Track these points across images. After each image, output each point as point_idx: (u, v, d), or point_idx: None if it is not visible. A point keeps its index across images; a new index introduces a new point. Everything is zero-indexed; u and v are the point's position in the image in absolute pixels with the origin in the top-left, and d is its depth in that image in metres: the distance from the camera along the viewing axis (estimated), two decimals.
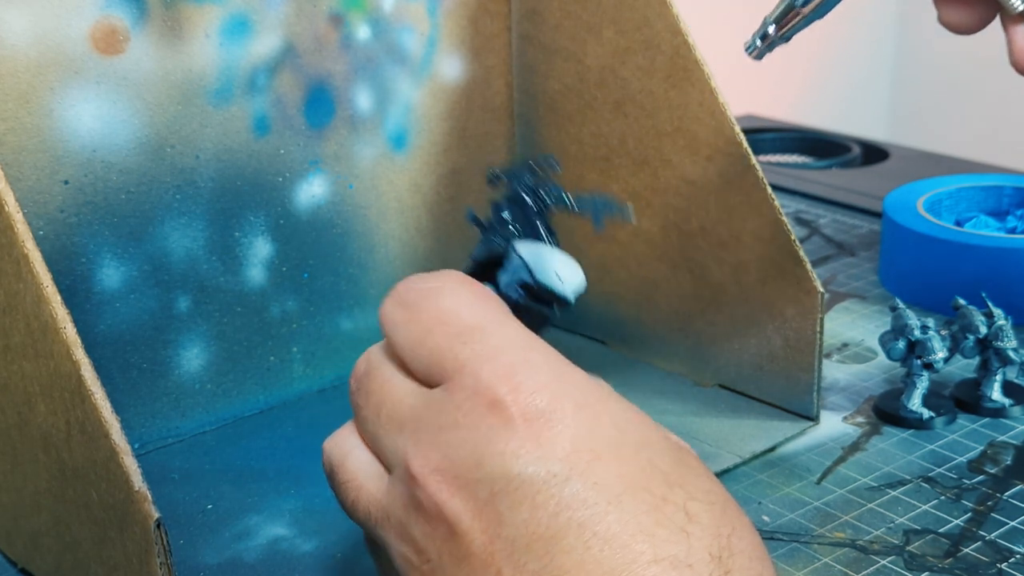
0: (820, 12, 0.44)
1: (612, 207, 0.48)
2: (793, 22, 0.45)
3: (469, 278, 0.40)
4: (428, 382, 0.38)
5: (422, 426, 0.38)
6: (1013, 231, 0.79)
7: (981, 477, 0.56)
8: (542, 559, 0.34)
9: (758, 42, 0.46)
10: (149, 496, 0.40)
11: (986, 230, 0.78)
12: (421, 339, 0.38)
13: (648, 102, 0.61)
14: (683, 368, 0.65)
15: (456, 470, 0.36)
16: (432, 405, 0.38)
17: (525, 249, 0.44)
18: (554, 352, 0.38)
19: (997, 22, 0.43)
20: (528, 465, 0.35)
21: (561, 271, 0.44)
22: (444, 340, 0.38)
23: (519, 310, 0.43)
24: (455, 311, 0.38)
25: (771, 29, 0.45)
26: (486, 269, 0.46)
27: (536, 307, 0.44)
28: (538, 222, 0.46)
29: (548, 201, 0.47)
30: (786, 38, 0.45)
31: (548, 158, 0.48)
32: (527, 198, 0.46)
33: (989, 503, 0.54)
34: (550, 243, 0.46)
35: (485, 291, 0.40)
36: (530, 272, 0.44)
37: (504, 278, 0.45)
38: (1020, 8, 0.40)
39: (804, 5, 0.44)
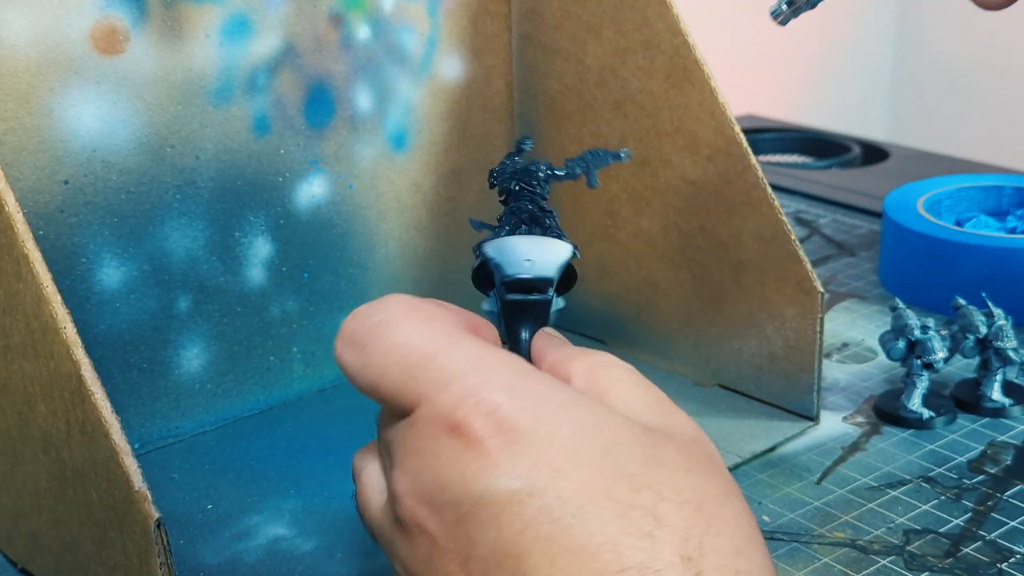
0: None
1: (605, 158, 0.47)
2: None
3: (414, 302, 0.40)
4: (399, 413, 0.39)
5: (398, 452, 0.38)
6: (1013, 231, 0.79)
7: (981, 477, 0.56)
8: None
9: (783, 7, 0.45)
10: (149, 496, 0.40)
11: (986, 230, 0.78)
12: (378, 379, 0.39)
13: (648, 102, 0.61)
14: (683, 368, 0.65)
15: (427, 494, 0.37)
16: (403, 432, 0.38)
17: (492, 248, 0.43)
18: (511, 363, 0.38)
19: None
20: (490, 485, 0.35)
21: (531, 255, 0.43)
22: (399, 376, 0.38)
23: (517, 307, 0.43)
24: (403, 344, 0.39)
25: None
26: (490, 277, 0.45)
27: (530, 299, 0.43)
28: (529, 207, 0.45)
29: (537, 180, 0.46)
30: (812, 4, 0.44)
31: (521, 140, 0.47)
32: (514, 186, 0.46)
33: (989, 503, 0.54)
34: (529, 229, 0.44)
35: (432, 313, 0.40)
36: (501, 270, 0.43)
37: (496, 283, 0.44)
38: None
39: None
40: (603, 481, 0.35)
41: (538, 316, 0.43)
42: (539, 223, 0.45)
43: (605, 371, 0.40)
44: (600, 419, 0.37)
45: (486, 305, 0.45)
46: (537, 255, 0.43)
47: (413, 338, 0.39)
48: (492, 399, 0.36)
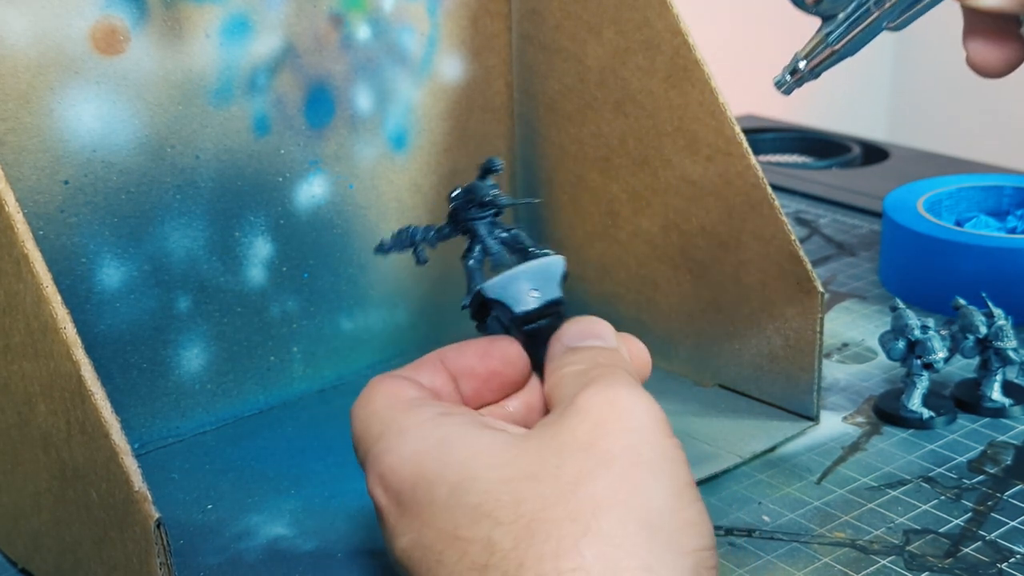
0: (852, 49, 0.44)
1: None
2: (824, 58, 0.45)
3: (378, 387, 0.43)
4: None
5: None
6: (1013, 231, 0.79)
7: (981, 477, 0.56)
8: None
9: (787, 77, 0.45)
10: (149, 496, 0.40)
11: (986, 230, 0.78)
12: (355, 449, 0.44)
13: (648, 102, 0.61)
14: (683, 368, 0.65)
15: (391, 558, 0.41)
16: None
17: (493, 290, 0.44)
18: (427, 433, 0.40)
19: None
20: (393, 546, 0.40)
21: (533, 283, 0.44)
22: (357, 454, 0.43)
23: (531, 336, 0.44)
24: (356, 430, 0.43)
25: (801, 64, 0.45)
26: (488, 302, 0.46)
27: (546, 324, 0.44)
28: (502, 234, 0.46)
29: (489, 203, 0.46)
30: (816, 74, 0.45)
31: (490, 162, 0.47)
32: (470, 216, 0.46)
33: (989, 503, 0.54)
34: (508, 260, 0.45)
35: (380, 388, 0.43)
36: (509, 309, 0.44)
37: (501, 317, 0.45)
38: None
39: (837, 42, 0.44)
40: (451, 522, 0.38)
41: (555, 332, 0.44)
42: (517, 247, 0.46)
43: (553, 378, 0.42)
44: (454, 458, 0.39)
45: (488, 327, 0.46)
46: (539, 282, 0.44)
47: (353, 424, 0.43)
48: (379, 470, 0.41)
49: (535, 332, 0.44)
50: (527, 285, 0.44)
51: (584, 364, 0.42)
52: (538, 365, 0.44)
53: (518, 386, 0.45)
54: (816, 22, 0.45)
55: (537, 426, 0.40)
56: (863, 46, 0.44)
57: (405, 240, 0.47)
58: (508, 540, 0.36)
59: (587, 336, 0.43)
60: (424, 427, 0.41)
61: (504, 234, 0.46)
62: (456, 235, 0.47)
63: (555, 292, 0.44)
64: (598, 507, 0.36)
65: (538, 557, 0.35)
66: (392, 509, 0.40)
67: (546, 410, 0.43)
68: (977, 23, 0.41)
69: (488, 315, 0.45)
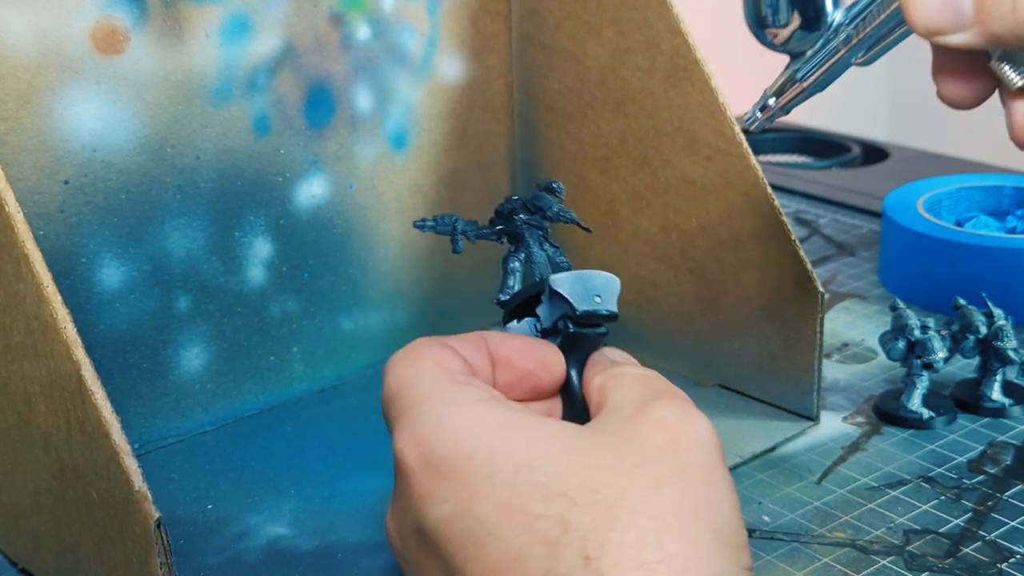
0: (821, 85, 0.44)
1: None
2: (793, 94, 0.45)
3: (416, 343, 0.44)
4: None
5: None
6: (1013, 231, 0.79)
7: (981, 477, 0.56)
8: None
9: (758, 114, 0.46)
10: (149, 496, 0.40)
11: (986, 230, 0.78)
12: (383, 410, 0.43)
13: (648, 102, 0.61)
14: (683, 368, 0.65)
15: (396, 525, 0.41)
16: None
17: (562, 284, 0.45)
18: (451, 396, 0.41)
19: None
20: (425, 514, 0.39)
21: (599, 290, 0.45)
22: (384, 411, 0.43)
23: (572, 339, 0.44)
24: (386, 383, 0.43)
25: (771, 101, 0.46)
26: (525, 305, 0.46)
27: (597, 332, 0.45)
28: (534, 250, 0.47)
29: (546, 219, 0.48)
30: (786, 110, 0.46)
31: (547, 185, 0.48)
32: (526, 227, 0.47)
33: (989, 503, 0.54)
34: (548, 273, 0.46)
35: (421, 353, 0.43)
36: (572, 307, 0.44)
37: (546, 312, 0.45)
38: (1020, 83, 0.40)
39: (805, 79, 0.44)
40: (516, 497, 0.37)
41: (596, 346, 0.45)
42: (559, 264, 0.47)
43: (611, 381, 0.43)
44: (518, 436, 0.39)
45: (516, 328, 0.46)
46: (604, 291, 0.45)
47: (391, 378, 0.43)
48: (420, 432, 0.40)
49: (580, 337, 0.44)
50: (592, 290, 0.44)
51: (642, 372, 0.43)
52: (569, 368, 0.45)
53: (546, 394, 0.45)
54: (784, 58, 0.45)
55: (600, 425, 0.40)
56: (832, 82, 0.45)
57: (447, 226, 0.48)
58: (586, 521, 0.36)
59: (629, 361, 0.44)
60: (480, 404, 0.40)
61: (550, 249, 0.47)
62: (498, 238, 0.48)
63: (614, 306, 0.45)
64: (679, 510, 0.37)
65: (619, 543, 0.36)
66: (426, 474, 0.39)
67: (582, 407, 0.44)
68: (946, 59, 0.42)
69: (522, 316, 0.46)
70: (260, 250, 0.62)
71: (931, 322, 0.61)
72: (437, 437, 0.40)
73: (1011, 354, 0.61)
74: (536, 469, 0.38)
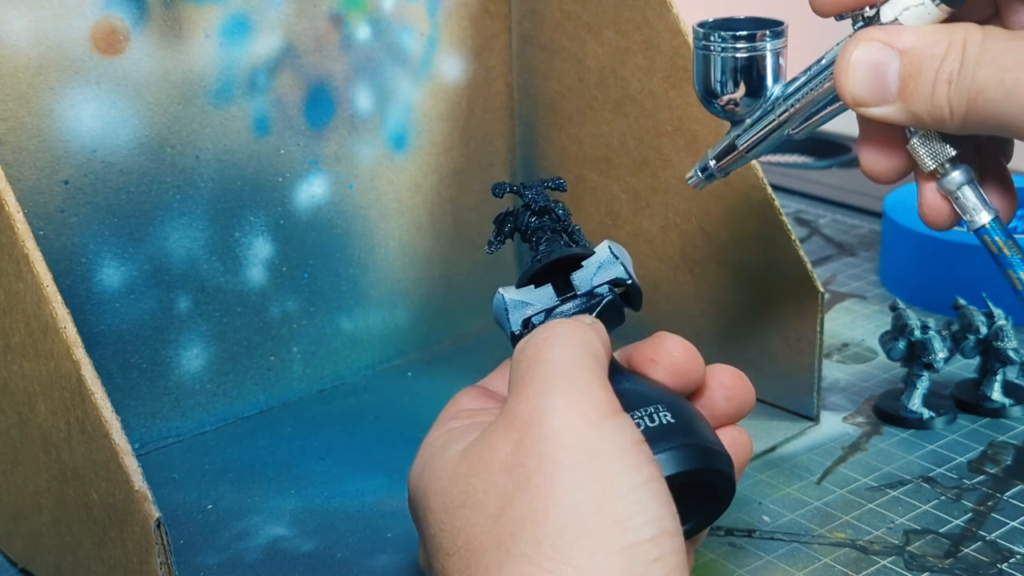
0: (758, 152, 0.47)
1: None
2: (733, 159, 0.48)
3: (457, 395, 0.45)
4: None
5: None
6: (1013, 231, 0.79)
7: (981, 477, 0.56)
8: None
9: (699, 174, 0.49)
10: (149, 496, 0.40)
11: None
12: None
13: (648, 102, 0.61)
14: None
15: None
16: None
17: (620, 251, 0.46)
18: (423, 455, 0.42)
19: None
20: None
21: (631, 270, 0.46)
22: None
23: (611, 306, 0.45)
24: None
25: (711, 163, 0.48)
26: (547, 270, 0.46)
27: (621, 303, 0.45)
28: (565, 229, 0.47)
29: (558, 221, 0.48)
30: (725, 172, 0.48)
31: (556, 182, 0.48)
32: (549, 209, 0.47)
33: (989, 503, 0.54)
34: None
35: (449, 407, 0.44)
36: (629, 275, 0.45)
37: (586, 276, 0.45)
38: (931, 167, 0.42)
39: (742, 145, 0.47)
40: (428, 551, 0.41)
41: (616, 320, 0.46)
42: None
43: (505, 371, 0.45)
44: (422, 486, 0.41)
45: (534, 293, 0.45)
46: (630, 266, 0.46)
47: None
48: (408, 488, 0.43)
49: (617, 307, 0.45)
50: (629, 265, 0.46)
51: (528, 368, 0.40)
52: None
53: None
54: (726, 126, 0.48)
55: (478, 437, 0.40)
56: (768, 151, 0.47)
57: (507, 230, 0.47)
58: (456, 571, 0.38)
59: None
60: (426, 448, 0.42)
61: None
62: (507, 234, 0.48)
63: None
64: (516, 529, 0.36)
65: None
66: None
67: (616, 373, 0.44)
68: (869, 132, 0.44)
69: (545, 280, 0.45)
70: (260, 250, 0.62)
71: (931, 322, 0.61)
72: (410, 490, 0.43)
73: (1011, 354, 0.61)
74: (426, 521, 0.40)
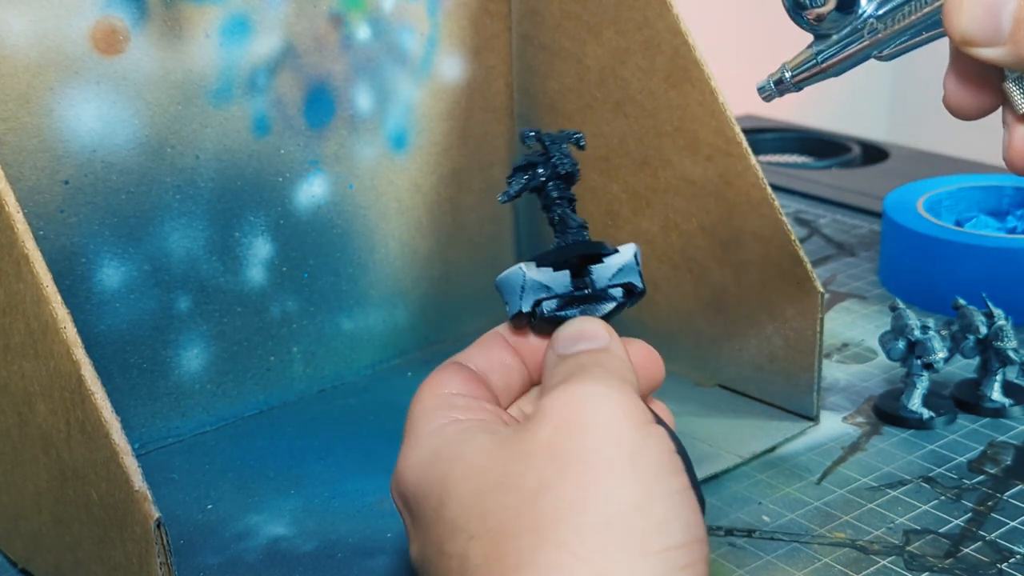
0: (839, 71, 0.44)
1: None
2: (811, 74, 0.45)
3: (429, 379, 0.43)
4: None
5: None
6: (1013, 231, 0.79)
7: (981, 477, 0.56)
8: None
9: (772, 85, 0.46)
10: (149, 496, 0.40)
11: (986, 230, 0.78)
12: None
13: (648, 102, 0.61)
14: (683, 368, 0.65)
15: None
16: None
17: (640, 258, 0.45)
18: (429, 443, 0.41)
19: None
20: (410, 552, 0.41)
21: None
22: None
23: (620, 308, 0.44)
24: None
25: (787, 75, 0.45)
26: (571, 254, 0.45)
27: (626, 305, 0.45)
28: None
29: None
30: (799, 87, 0.46)
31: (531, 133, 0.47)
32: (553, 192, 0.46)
33: (989, 503, 0.54)
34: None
35: (427, 393, 0.43)
36: (641, 283, 0.45)
37: (605, 274, 0.44)
38: None
39: (825, 61, 0.44)
40: (436, 537, 0.39)
41: (615, 318, 0.45)
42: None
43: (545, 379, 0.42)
44: (439, 470, 0.39)
45: (551, 275, 0.45)
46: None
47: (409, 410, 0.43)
48: (394, 471, 0.41)
49: (620, 307, 0.45)
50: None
51: (567, 373, 0.41)
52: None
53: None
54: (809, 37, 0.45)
55: (511, 433, 0.39)
56: (850, 69, 0.45)
57: (532, 181, 0.47)
58: (479, 555, 0.36)
59: (578, 340, 0.42)
60: (429, 437, 0.40)
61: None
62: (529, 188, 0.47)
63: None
64: (556, 515, 0.36)
65: (501, 572, 0.35)
66: (404, 514, 0.41)
67: None
68: (963, 69, 0.42)
69: (573, 272, 0.45)
70: (260, 250, 0.62)
71: (931, 322, 0.61)
72: (398, 477, 0.41)
73: (1011, 354, 0.61)
74: (445, 504, 0.38)
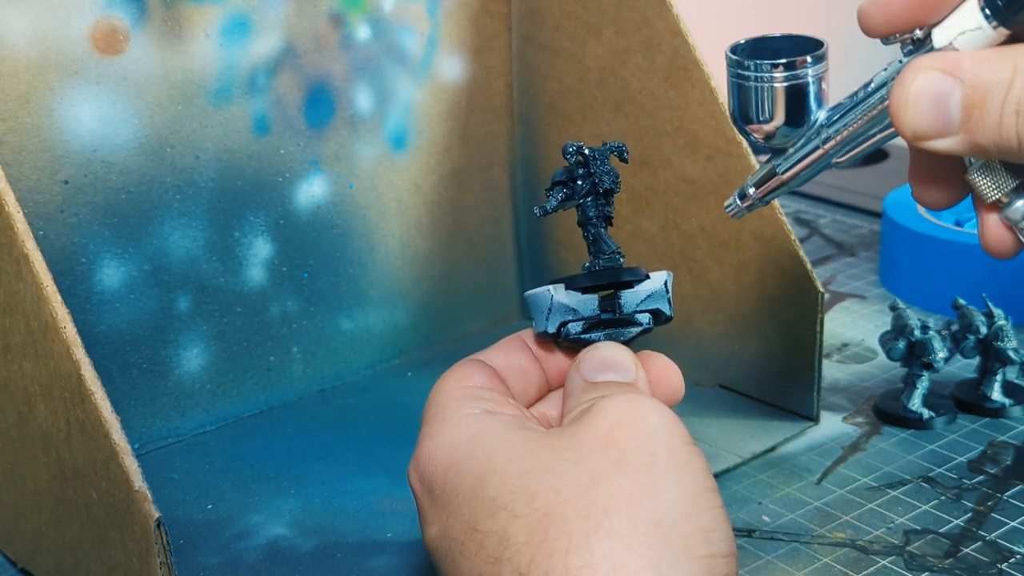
0: (800, 181, 0.45)
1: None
2: (773, 188, 0.45)
3: (452, 370, 0.44)
4: None
5: None
6: None
7: (981, 477, 0.56)
8: None
9: (738, 202, 0.47)
10: (149, 496, 0.40)
11: None
12: None
13: (648, 102, 0.61)
14: (683, 368, 0.65)
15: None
16: None
17: (671, 286, 0.45)
18: (466, 426, 0.41)
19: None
20: (425, 533, 0.41)
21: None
22: None
23: (644, 332, 0.45)
24: (424, 410, 0.45)
25: (751, 191, 0.46)
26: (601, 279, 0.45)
27: (651, 329, 0.46)
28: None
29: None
30: (764, 201, 0.46)
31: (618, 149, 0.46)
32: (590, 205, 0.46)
33: (989, 503, 0.54)
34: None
35: (455, 373, 0.44)
36: (670, 310, 0.45)
37: (633, 300, 0.45)
38: (994, 197, 0.41)
39: (785, 173, 0.45)
40: (472, 514, 0.39)
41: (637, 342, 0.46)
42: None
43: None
44: (480, 451, 0.40)
45: (579, 299, 0.45)
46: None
47: (429, 398, 0.44)
48: (417, 454, 0.42)
49: (646, 331, 0.46)
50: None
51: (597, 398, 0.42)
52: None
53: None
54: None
55: (557, 428, 0.41)
56: (811, 179, 0.45)
57: (570, 201, 0.47)
58: (522, 534, 0.37)
59: (605, 368, 0.43)
60: (464, 421, 0.41)
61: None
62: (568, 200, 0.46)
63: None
64: (611, 505, 0.36)
65: (548, 552, 0.36)
66: (424, 496, 0.41)
67: None
68: (923, 164, 0.43)
69: (600, 294, 0.45)
70: (260, 250, 0.62)
71: (931, 322, 0.61)
72: (425, 457, 0.41)
73: (1011, 354, 0.61)
74: (487, 483, 0.39)
